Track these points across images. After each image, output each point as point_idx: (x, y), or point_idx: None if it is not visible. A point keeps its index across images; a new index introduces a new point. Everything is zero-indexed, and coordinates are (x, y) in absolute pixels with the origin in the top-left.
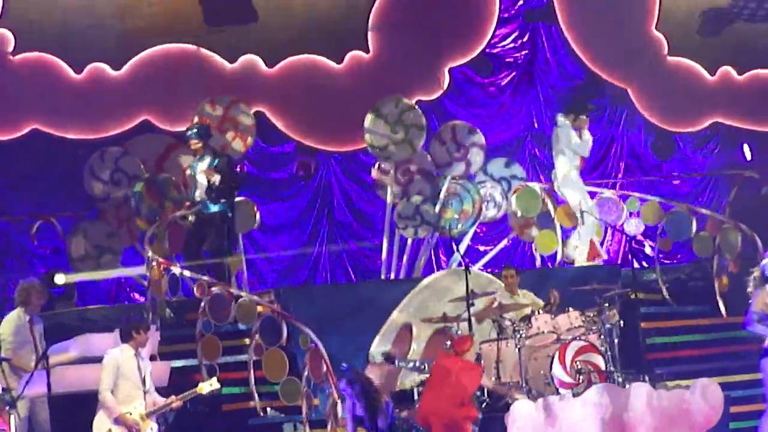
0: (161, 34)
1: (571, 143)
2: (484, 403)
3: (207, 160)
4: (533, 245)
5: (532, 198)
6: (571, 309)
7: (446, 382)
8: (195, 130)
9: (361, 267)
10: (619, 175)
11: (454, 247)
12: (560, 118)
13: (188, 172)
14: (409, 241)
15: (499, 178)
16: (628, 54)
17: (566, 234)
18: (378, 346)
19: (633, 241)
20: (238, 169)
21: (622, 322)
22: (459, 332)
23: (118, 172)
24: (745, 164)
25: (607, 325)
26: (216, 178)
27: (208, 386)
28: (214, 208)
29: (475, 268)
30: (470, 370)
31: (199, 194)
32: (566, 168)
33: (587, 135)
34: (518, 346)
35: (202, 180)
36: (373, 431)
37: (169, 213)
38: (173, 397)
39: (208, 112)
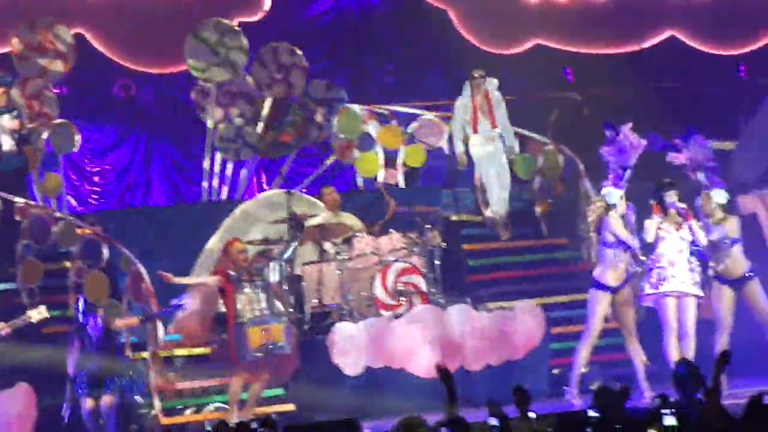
0: None
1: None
2: (306, 326)
3: (11, 112)
4: (355, 167)
5: (354, 120)
6: (393, 230)
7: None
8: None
9: (182, 189)
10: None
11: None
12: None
13: None
14: (231, 163)
15: (320, 99)
16: None
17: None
18: (197, 272)
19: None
20: (59, 91)
21: (444, 243)
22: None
23: None
24: (567, 86)
25: (429, 247)
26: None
27: (36, 314)
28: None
29: (297, 191)
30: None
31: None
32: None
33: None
34: (340, 268)
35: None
36: None
37: None
38: (2, 324)
39: (27, 34)
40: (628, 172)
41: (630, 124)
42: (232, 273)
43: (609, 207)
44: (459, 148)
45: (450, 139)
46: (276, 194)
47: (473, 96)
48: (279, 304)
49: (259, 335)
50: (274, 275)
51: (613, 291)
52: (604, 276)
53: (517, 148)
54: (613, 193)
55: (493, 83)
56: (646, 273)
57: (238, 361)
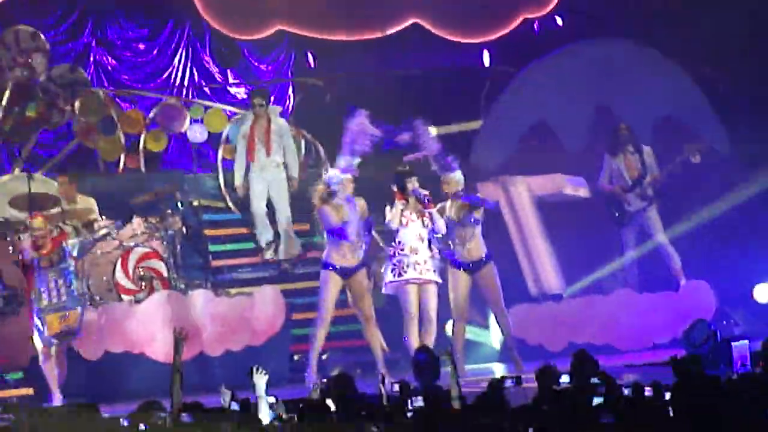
0: None
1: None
2: None
3: None
4: (97, 151)
5: (95, 104)
6: (134, 216)
7: None
8: None
9: None
10: (185, 82)
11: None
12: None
13: None
14: None
15: (62, 83)
16: None
17: None
18: None
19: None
20: None
21: (185, 228)
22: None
23: None
24: (311, 72)
25: (170, 232)
26: None
27: None
28: None
29: (39, 174)
30: None
31: None
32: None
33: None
34: None
35: None
36: None
37: None
38: None
39: None
40: (357, 160)
41: (366, 112)
42: (31, 256)
43: (329, 192)
44: (238, 178)
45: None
46: (16, 177)
47: (253, 124)
48: (81, 287)
49: (56, 322)
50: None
51: (343, 273)
52: (330, 256)
53: (296, 180)
54: (336, 178)
55: (275, 111)
56: (387, 260)
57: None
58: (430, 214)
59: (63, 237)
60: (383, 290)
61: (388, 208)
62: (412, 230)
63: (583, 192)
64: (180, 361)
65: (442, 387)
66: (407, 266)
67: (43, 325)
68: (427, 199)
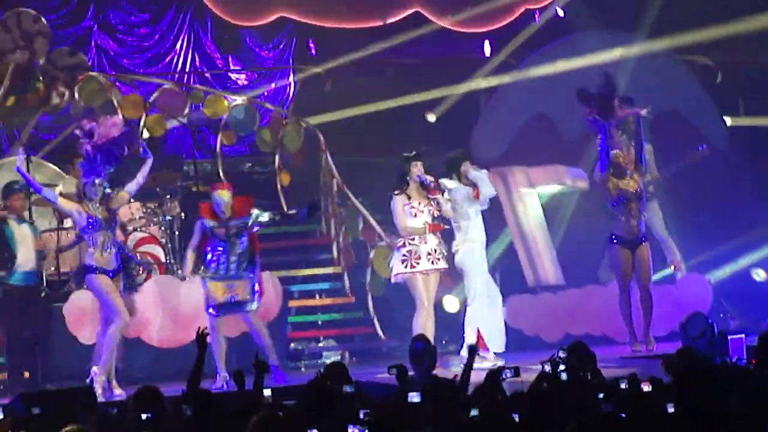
0: None
1: None
2: (43, 293)
3: None
4: None
5: (95, 88)
6: (131, 200)
7: None
8: None
9: None
10: (186, 68)
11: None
12: None
13: None
14: None
15: (62, 67)
16: None
17: None
18: None
19: (196, 133)
20: None
21: (183, 214)
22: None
23: None
24: (312, 60)
25: (168, 217)
26: None
27: None
28: None
29: (38, 158)
30: None
31: None
32: None
33: None
34: (78, 235)
35: None
36: None
37: None
38: None
39: None
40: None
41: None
42: None
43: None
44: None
45: None
46: (12, 162)
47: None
48: None
49: None
50: None
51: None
52: None
53: None
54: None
55: None
56: (395, 250)
57: None
58: (436, 199)
59: None
60: (392, 280)
61: (398, 199)
62: (420, 219)
63: (582, 183)
64: (203, 359)
65: (437, 376)
66: (419, 256)
67: None
68: (432, 185)
